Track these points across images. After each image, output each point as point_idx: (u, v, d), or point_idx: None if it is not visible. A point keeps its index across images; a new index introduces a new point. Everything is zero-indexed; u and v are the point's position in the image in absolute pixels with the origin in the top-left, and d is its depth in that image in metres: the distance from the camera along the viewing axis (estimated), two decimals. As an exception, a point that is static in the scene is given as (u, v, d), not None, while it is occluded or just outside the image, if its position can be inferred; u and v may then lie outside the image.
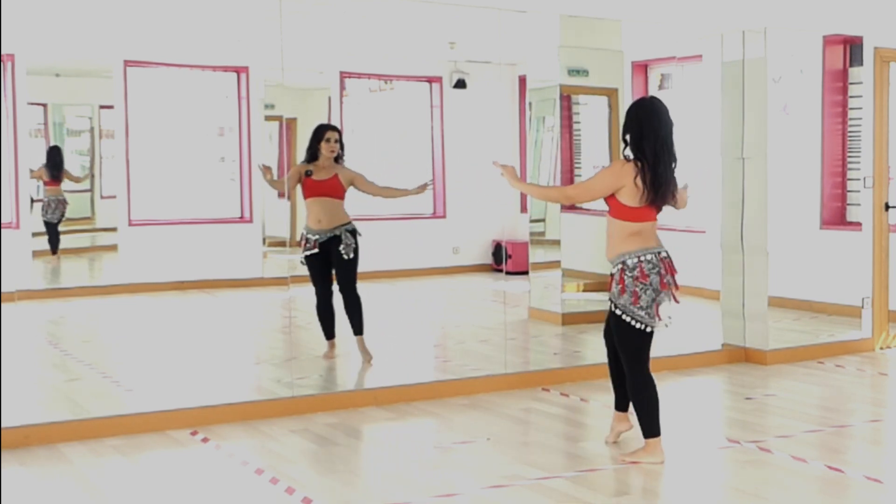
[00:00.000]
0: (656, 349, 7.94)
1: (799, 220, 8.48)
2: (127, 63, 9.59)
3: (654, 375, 5.59)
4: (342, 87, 10.28)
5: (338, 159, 6.97)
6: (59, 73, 9.50)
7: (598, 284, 8.87)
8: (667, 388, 6.78)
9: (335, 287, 7.01)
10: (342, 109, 10.22)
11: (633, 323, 4.92)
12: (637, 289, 4.86)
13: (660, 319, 4.92)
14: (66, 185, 9.57)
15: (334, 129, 7.07)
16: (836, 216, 8.64)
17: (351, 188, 6.98)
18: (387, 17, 8.09)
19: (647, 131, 4.80)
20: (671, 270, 4.91)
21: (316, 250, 6.89)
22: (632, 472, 4.92)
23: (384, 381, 6.53)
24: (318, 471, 4.94)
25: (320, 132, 7.00)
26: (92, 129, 9.88)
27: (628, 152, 4.89)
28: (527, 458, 5.22)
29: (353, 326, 6.95)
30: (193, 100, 10.32)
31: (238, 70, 10.23)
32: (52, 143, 9.48)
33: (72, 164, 9.87)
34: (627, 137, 4.88)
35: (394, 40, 9.38)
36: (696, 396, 6.73)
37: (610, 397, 6.41)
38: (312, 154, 6.96)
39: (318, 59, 10.01)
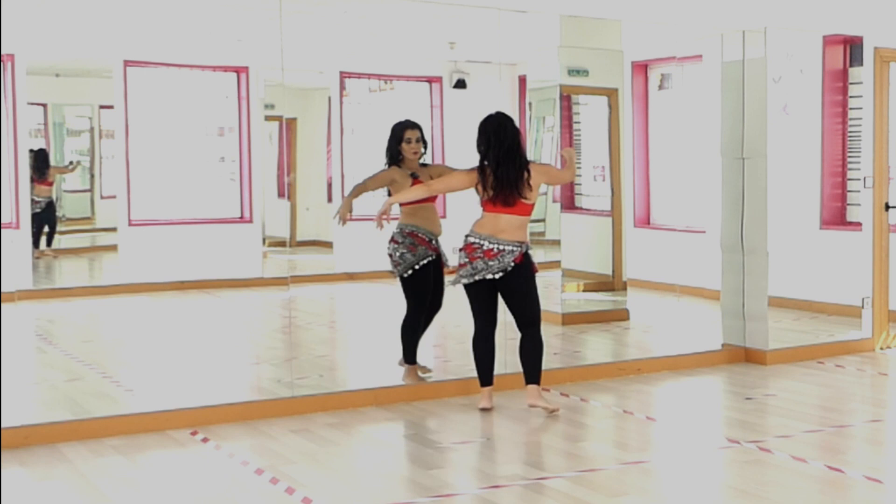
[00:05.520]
0: (656, 349, 7.98)
1: (799, 220, 8.47)
2: (127, 63, 9.59)
3: (654, 375, 7.02)
4: (342, 87, 10.28)
5: (420, 159, 6.37)
6: (59, 73, 9.50)
7: (598, 284, 8.89)
8: (667, 388, 6.79)
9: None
10: (342, 109, 10.23)
11: (462, 281, 5.90)
12: (464, 260, 5.87)
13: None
14: (67, 184, 9.57)
15: (414, 126, 6.36)
16: (836, 216, 8.64)
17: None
18: (387, 17, 8.09)
19: (494, 142, 5.80)
20: (481, 255, 5.79)
21: (433, 255, 6.32)
22: (632, 472, 4.92)
23: (384, 381, 6.52)
24: (318, 471, 4.94)
25: (399, 133, 6.32)
26: (92, 129, 9.88)
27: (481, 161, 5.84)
28: (527, 458, 5.22)
29: (404, 355, 6.46)
30: (193, 100, 10.32)
31: (238, 70, 10.23)
32: (50, 144, 9.49)
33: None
34: (481, 148, 5.85)
35: (394, 40, 9.37)
36: (696, 396, 6.73)
37: (610, 397, 6.43)
38: (393, 158, 6.33)
39: (318, 59, 10.01)
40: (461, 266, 5.89)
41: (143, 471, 5.00)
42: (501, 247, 5.79)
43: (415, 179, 6.26)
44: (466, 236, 5.89)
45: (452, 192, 6.13)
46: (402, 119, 6.45)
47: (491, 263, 5.78)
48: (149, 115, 9.87)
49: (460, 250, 5.91)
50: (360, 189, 6.39)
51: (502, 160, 5.77)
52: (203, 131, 10.50)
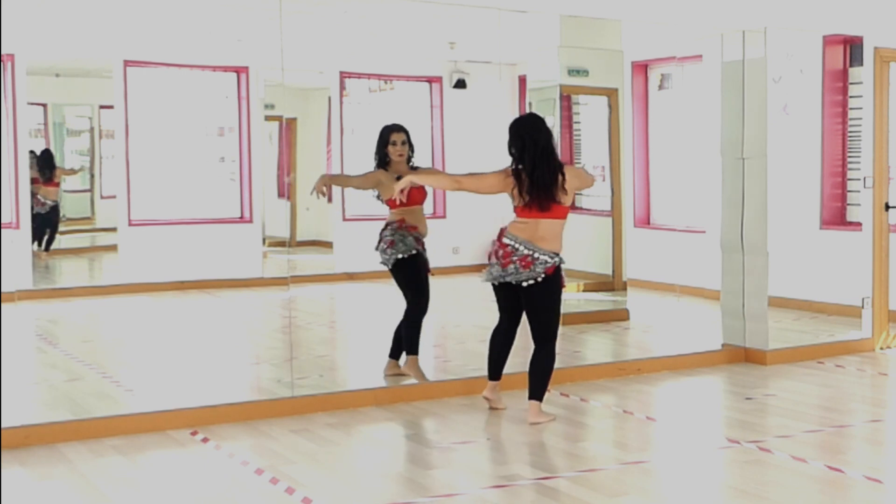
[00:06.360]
0: (656, 349, 7.98)
1: (799, 220, 8.48)
2: (127, 63, 9.59)
3: (654, 375, 6.99)
4: (342, 87, 10.29)
5: (408, 161, 6.43)
6: (59, 73, 9.51)
7: (597, 284, 8.89)
8: (667, 388, 6.79)
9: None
10: (342, 109, 10.23)
11: (491, 281, 5.77)
12: (496, 260, 5.69)
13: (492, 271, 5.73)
14: (67, 184, 9.59)
15: (400, 129, 6.44)
16: (836, 216, 8.64)
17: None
18: (387, 17, 8.09)
19: (529, 143, 5.55)
20: (515, 261, 5.59)
21: (416, 251, 6.37)
22: (632, 472, 4.92)
23: (384, 381, 6.53)
24: (318, 471, 4.94)
25: (385, 135, 6.41)
26: (92, 129, 9.90)
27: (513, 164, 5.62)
28: (527, 458, 5.22)
29: (407, 347, 6.56)
30: (193, 100, 10.32)
31: (238, 70, 10.24)
32: (51, 144, 9.50)
33: (72, 164, 9.88)
34: (513, 150, 5.62)
35: (394, 40, 9.38)
36: (696, 396, 6.73)
37: (609, 397, 6.43)
38: (381, 160, 6.41)
39: (318, 59, 10.02)
40: (494, 261, 5.68)
41: (143, 471, 5.00)
42: (537, 255, 5.55)
43: None
44: (503, 236, 5.66)
45: (479, 194, 5.84)
46: (390, 123, 6.54)
47: (522, 272, 5.57)
48: (149, 115, 9.88)
49: (496, 247, 5.66)
50: (344, 180, 6.56)
51: (538, 162, 5.53)
52: (203, 131, 10.51)
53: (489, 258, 5.75)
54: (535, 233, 5.58)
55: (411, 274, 6.42)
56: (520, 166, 5.57)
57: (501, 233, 5.68)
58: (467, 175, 5.74)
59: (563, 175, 5.56)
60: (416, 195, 6.38)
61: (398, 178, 6.26)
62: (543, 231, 5.58)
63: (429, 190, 7.08)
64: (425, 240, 6.53)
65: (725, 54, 7.54)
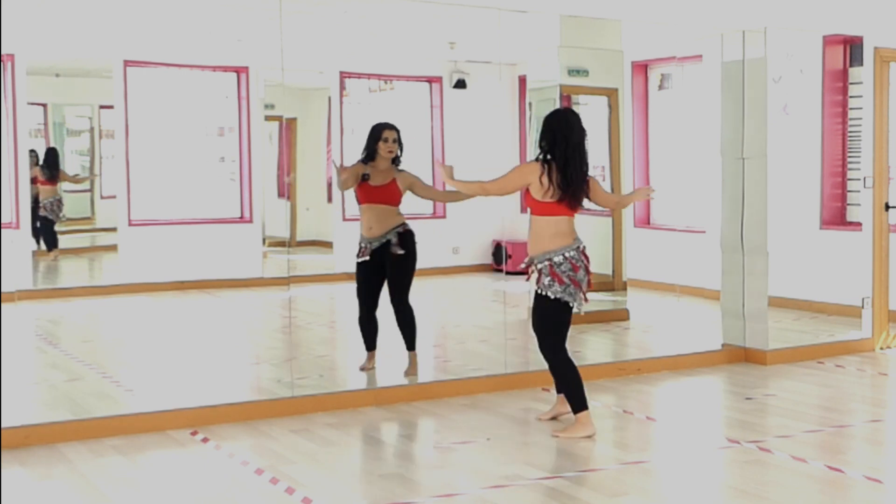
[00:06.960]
0: (657, 349, 7.99)
1: (799, 220, 8.48)
2: (127, 63, 9.59)
3: (654, 375, 6.91)
4: (342, 87, 10.29)
5: (396, 160, 6.54)
6: (59, 73, 9.51)
7: (598, 284, 8.87)
8: (667, 388, 6.79)
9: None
10: (342, 109, 10.23)
11: (551, 296, 5.36)
12: (565, 278, 5.37)
13: (585, 301, 5.44)
14: (66, 184, 9.59)
15: (392, 127, 6.56)
16: (836, 216, 8.64)
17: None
18: (387, 17, 8.09)
19: (560, 138, 5.36)
20: (587, 259, 5.46)
21: (367, 258, 6.49)
22: (632, 472, 4.92)
23: (384, 381, 6.53)
24: (318, 471, 4.94)
25: (377, 131, 6.53)
26: (92, 129, 9.89)
27: (540, 157, 5.43)
28: (527, 458, 5.22)
29: (406, 341, 6.63)
30: (193, 100, 10.32)
31: (238, 70, 10.24)
32: (51, 144, 9.50)
33: (72, 164, 9.88)
34: (543, 144, 5.42)
35: (394, 40, 9.38)
36: (696, 396, 6.74)
37: (609, 397, 6.43)
38: (369, 154, 6.53)
39: (318, 59, 10.02)
40: (568, 284, 5.37)
41: (143, 471, 5.00)
42: (582, 246, 5.44)
43: (363, 181, 6.45)
44: (556, 257, 5.35)
45: (504, 194, 5.68)
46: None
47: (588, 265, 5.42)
48: (149, 115, 9.88)
49: (554, 273, 5.34)
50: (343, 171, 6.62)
51: (570, 158, 5.33)
52: (203, 131, 10.51)
53: (561, 285, 5.35)
54: (572, 230, 5.42)
55: (358, 279, 6.62)
56: (549, 157, 5.37)
57: (552, 265, 5.36)
58: (490, 181, 5.55)
59: (589, 184, 5.43)
60: (381, 194, 6.46)
61: (363, 176, 6.44)
62: (573, 227, 5.45)
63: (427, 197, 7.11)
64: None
65: (725, 54, 7.54)
